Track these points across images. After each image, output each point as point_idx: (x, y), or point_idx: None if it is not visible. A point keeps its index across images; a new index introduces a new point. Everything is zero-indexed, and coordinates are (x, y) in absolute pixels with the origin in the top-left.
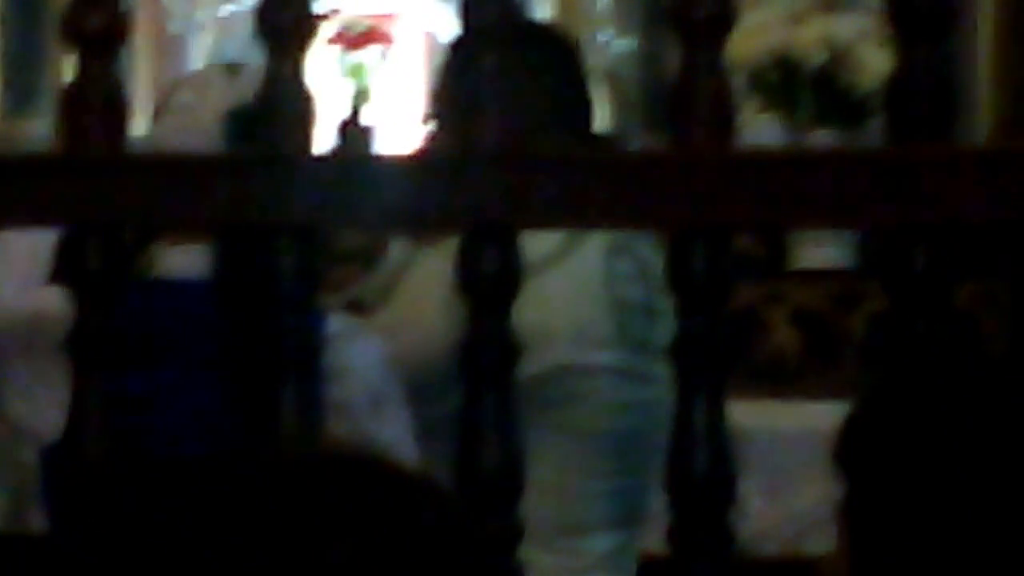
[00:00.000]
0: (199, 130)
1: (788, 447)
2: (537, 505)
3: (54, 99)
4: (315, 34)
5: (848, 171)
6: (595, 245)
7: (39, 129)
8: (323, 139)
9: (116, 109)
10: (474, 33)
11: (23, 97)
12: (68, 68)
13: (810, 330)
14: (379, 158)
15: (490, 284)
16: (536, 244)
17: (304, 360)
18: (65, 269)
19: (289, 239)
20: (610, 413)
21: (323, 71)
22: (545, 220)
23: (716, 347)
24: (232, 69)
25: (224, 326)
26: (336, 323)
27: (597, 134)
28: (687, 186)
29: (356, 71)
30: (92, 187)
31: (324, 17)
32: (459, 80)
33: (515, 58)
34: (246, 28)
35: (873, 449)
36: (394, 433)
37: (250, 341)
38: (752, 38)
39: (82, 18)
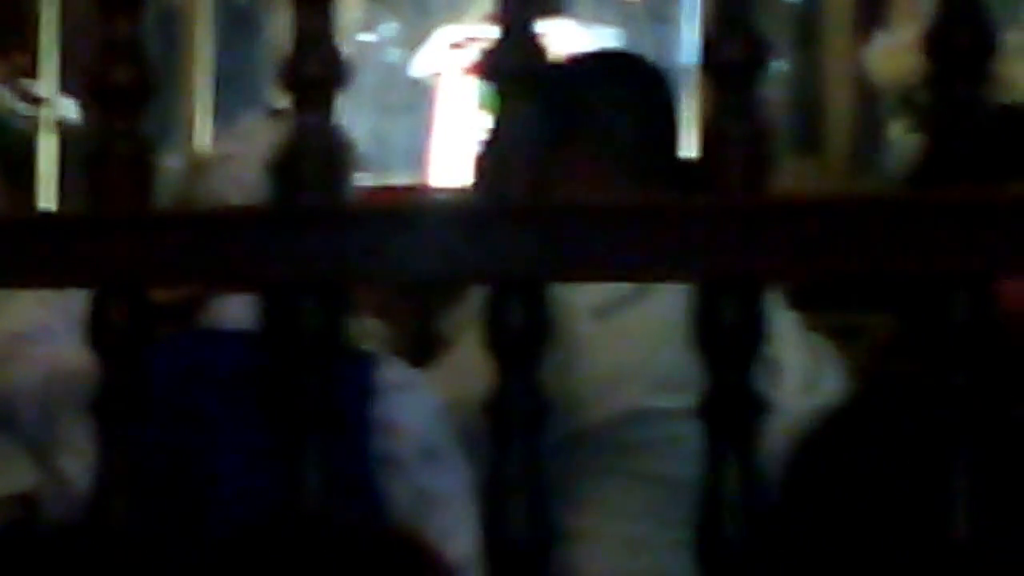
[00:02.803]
0: (243, 181)
1: None
2: (612, 558)
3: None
4: (346, 82)
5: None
6: (674, 285)
7: None
8: (463, 173)
9: (141, 165)
10: (500, 80)
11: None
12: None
13: None
14: (402, 210)
15: (516, 339)
16: (612, 284)
17: (329, 415)
18: (91, 329)
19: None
20: (689, 460)
21: (460, 102)
22: (570, 274)
23: (749, 405)
24: (277, 115)
25: (266, 378)
26: (388, 373)
27: (687, 161)
28: (717, 236)
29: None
30: (114, 247)
31: (471, 42)
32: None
33: (600, 91)
34: (380, 57)
35: None
36: (448, 486)
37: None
38: (900, 57)
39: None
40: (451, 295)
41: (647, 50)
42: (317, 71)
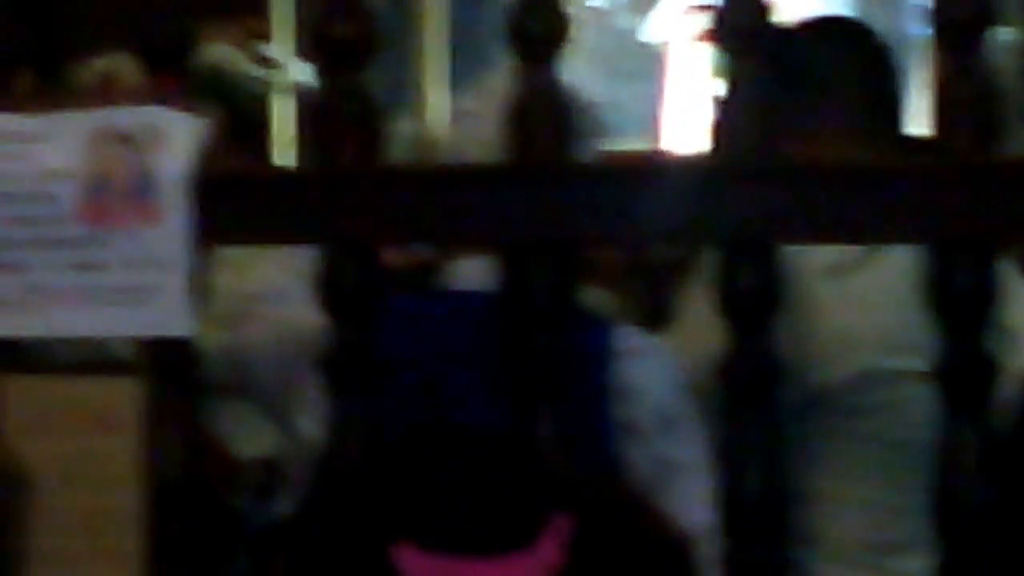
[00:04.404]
0: (482, 137)
1: None
2: (846, 520)
3: None
4: (568, 39)
5: None
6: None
7: None
8: (694, 139)
9: (367, 121)
10: (729, 42)
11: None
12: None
13: None
14: (633, 169)
15: (749, 301)
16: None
17: (563, 374)
18: (322, 286)
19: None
20: (922, 423)
21: (694, 70)
22: (802, 236)
23: (983, 369)
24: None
25: (501, 337)
26: (627, 339)
27: (910, 136)
28: (949, 198)
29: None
30: (343, 203)
31: (706, 8)
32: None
33: (825, 53)
34: (611, 23)
35: None
36: (687, 455)
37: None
38: None
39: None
40: (682, 270)
41: (876, 18)
42: (541, 28)
